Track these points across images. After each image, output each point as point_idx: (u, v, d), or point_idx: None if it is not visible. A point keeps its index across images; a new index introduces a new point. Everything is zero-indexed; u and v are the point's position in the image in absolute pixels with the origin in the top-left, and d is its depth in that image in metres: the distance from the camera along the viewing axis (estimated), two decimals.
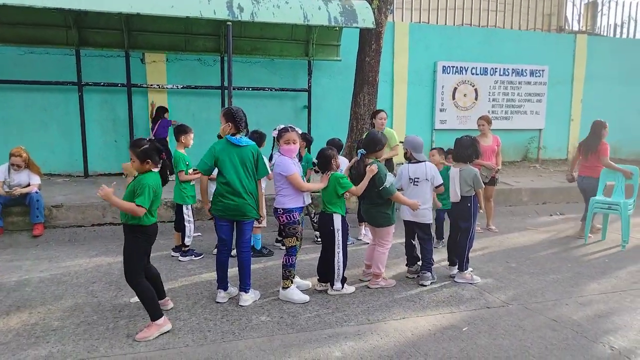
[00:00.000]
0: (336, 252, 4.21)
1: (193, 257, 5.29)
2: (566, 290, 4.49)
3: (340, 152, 6.03)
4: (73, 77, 8.49)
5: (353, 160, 4.62)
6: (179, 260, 5.23)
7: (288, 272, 4.10)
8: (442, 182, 4.59)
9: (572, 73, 11.95)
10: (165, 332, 3.48)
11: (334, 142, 5.95)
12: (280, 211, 4.06)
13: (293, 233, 4.07)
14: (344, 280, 4.32)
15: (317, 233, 5.82)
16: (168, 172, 3.57)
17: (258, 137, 5.19)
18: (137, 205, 3.30)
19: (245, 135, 4.10)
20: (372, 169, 4.25)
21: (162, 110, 8.65)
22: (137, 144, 3.39)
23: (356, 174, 4.40)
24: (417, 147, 4.61)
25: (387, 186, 4.26)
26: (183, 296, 4.22)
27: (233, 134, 4.00)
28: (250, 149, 3.98)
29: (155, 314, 3.48)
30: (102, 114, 8.91)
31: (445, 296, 4.31)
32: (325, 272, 4.32)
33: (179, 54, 9.08)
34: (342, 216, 4.23)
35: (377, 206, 4.39)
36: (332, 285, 4.29)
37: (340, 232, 4.20)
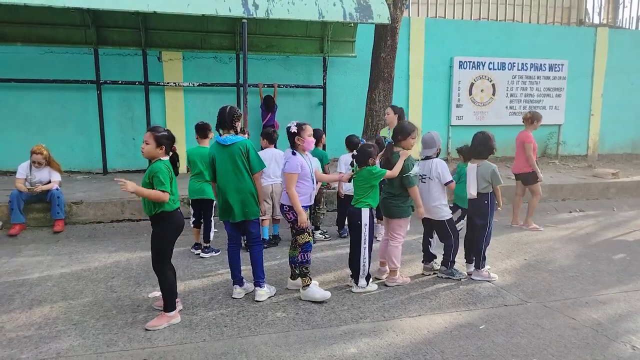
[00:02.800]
0: (362, 248, 4.22)
1: (214, 253, 5.33)
2: (586, 289, 4.42)
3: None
4: (91, 76, 8.61)
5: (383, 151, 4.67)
6: (202, 257, 5.26)
7: (305, 269, 4.08)
8: (452, 179, 4.55)
9: (593, 67, 11.69)
10: (174, 324, 3.58)
11: (352, 140, 5.93)
12: (286, 208, 4.03)
13: (303, 229, 4.05)
14: (368, 277, 4.31)
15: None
16: (178, 165, 3.61)
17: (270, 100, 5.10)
18: (161, 191, 3.40)
19: (236, 133, 4.04)
20: (405, 152, 4.31)
21: (270, 100, 9.02)
22: (156, 129, 3.53)
23: (384, 162, 4.41)
24: (426, 143, 4.60)
25: (411, 175, 4.26)
26: (200, 292, 4.26)
27: (221, 134, 4.03)
28: (238, 146, 3.94)
29: (170, 305, 3.59)
30: (120, 111, 9.02)
31: (461, 294, 4.28)
32: (352, 267, 4.33)
33: (195, 52, 9.15)
34: (371, 209, 4.23)
35: (392, 197, 4.39)
36: (356, 282, 4.29)
37: (367, 227, 4.20)
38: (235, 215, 4.00)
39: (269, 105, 9.07)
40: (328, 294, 4.09)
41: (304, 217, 3.96)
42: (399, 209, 4.39)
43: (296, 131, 4.01)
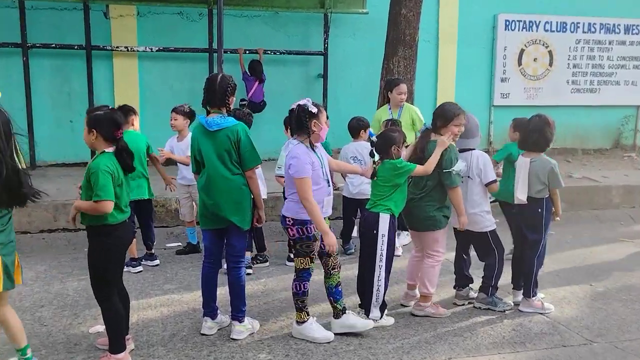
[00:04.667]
0: (377, 266, 4.21)
1: (157, 262, 5.73)
2: None
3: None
4: (15, 37, 8.57)
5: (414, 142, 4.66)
6: (149, 266, 5.58)
7: (301, 303, 4.07)
8: (495, 178, 4.54)
9: None
10: None
11: (352, 125, 5.97)
12: (289, 221, 3.99)
13: (306, 252, 4.00)
14: (383, 307, 4.31)
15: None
16: (127, 157, 3.52)
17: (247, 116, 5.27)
18: (96, 201, 3.34)
19: (229, 112, 4.04)
20: (443, 140, 4.25)
21: (258, 66, 9.18)
22: (91, 109, 3.55)
23: (414, 157, 4.38)
24: (465, 131, 4.57)
25: (454, 171, 4.23)
26: (158, 326, 4.26)
27: (207, 112, 4.02)
28: (225, 133, 3.91)
29: (117, 345, 3.56)
30: (53, 84, 9.00)
31: (506, 330, 4.28)
32: (363, 292, 4.33)
33: (153, 5, 9.11)
34: (392, 216, 4.22)
35: (420, 200, 4.35)
36: (367, 312, 4.28)
37: (385, 239, 4.19)
38: (219, 220, 4.00)
39: (256, 71, 9.10)
40: (331, 335, 4.06)
41: (332, 240, 3.90)
42: (431, 219, 4.36)
43: (316, 112, 3.91)
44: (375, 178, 4.24)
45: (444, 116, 4.35)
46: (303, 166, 3.83)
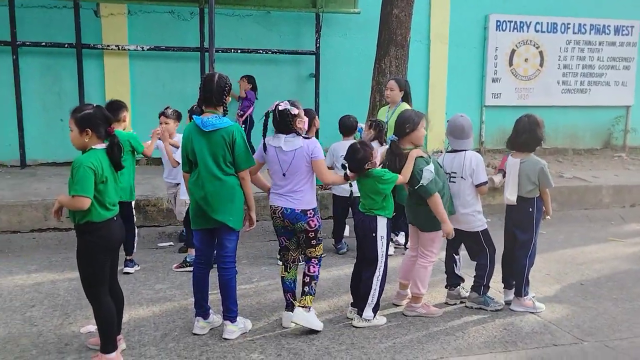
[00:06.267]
0: (377, 269, 4.26)
1: (137, 267, 5.54)
2: None
3: (356, 135, 6.04)
4: (5, 35, 8.52)
5: (383, 150, 4.70)
6: (127, 273, 5.35)
7: (315, 286, 4.27)
8: (485, 180, 4.55)
9: None
10: None
11: (345, 122, 5.97)
12: (310, 213, 4.13)
13: (322, 239, 4.30)
14: (376, 308, 4.33)
15: None
16: (118, 153, 3.51)
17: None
18: (72, 196, 3.34)
19: (224, 112, 4.03)
20: (413, 153, 4.28)
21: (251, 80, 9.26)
22: (78, 109, 3.48)
23: (389, 168, 4.39)
24: (457, 131, 4.58)
25: (424, 184, 4.23)
26: (150, 326, 4.25)
27: (201, 112, 4.02)
28: (221, 134, 3.91)
29: (108, 345, 3.55)
30: (43, 83, 8.95)
31: (497, 329, 4.31)
32: (357, 292, 4.38)
33: (144, 4, 9.08)
34: (389, 219, 4.30)
35: (424, 204, 4.35)
36: (360, 312, 4.31)
37: (384, 240, 4.26)
38: (210, 220, 4.00)
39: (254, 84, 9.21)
40: (321, 325, 4.18)
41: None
42: (433, 219, 4.37)
43: (297, 113, 4.07)
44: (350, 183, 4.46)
45: (412, 121, 4.33)
46: (321, 150, 4.15)
